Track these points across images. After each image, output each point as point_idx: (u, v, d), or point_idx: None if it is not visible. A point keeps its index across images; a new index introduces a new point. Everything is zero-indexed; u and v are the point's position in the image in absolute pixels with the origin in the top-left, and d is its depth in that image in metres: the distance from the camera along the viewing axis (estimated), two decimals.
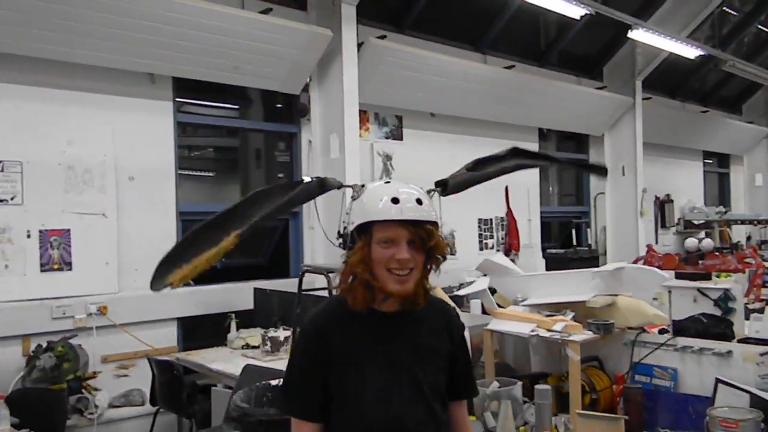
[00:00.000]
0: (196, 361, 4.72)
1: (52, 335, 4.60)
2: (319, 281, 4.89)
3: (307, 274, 4.72)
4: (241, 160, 6.74)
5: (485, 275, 3.69)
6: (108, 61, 4.94)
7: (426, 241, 1.68)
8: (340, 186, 2.12)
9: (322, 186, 2.22)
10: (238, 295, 5.62)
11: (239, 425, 3.00)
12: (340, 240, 1.77)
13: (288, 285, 5.70)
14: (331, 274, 4.01)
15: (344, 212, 1.76)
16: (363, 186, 1.77)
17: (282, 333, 4.80)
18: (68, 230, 4.81)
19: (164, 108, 5.38)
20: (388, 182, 1.78)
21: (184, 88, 5.54)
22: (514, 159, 2.36)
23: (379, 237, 1.67)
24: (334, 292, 4.03)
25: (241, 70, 5.48)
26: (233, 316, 5.29)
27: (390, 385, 1.72)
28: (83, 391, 4.55)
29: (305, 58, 5.76)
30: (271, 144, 6.67)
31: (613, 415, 2.60)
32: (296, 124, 6.30)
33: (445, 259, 1.76)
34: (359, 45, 6.03)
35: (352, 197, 1.76)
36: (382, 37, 6.38)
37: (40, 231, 4.69)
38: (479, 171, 2.35)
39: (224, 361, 4.66)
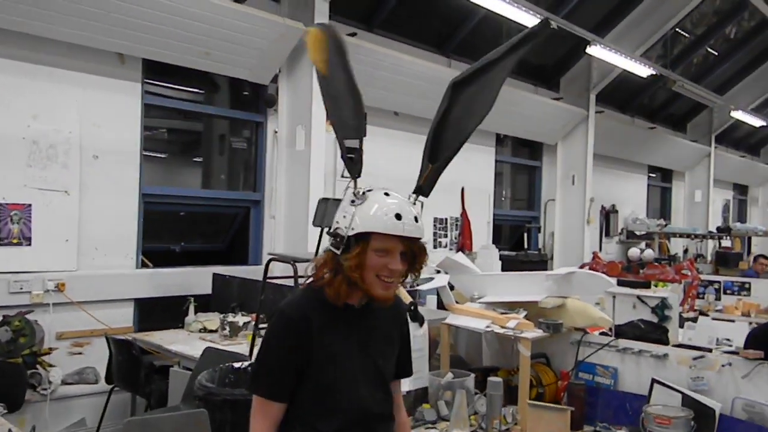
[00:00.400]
0: (154, 341, 4.78)
1: (8, 309, 4.59)
2: (279, 269, 4.98)
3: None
4: (204, 146, 6.76)
5: (445, 272, 3.87)
6: (79, 38, 4.92)
7: (417, 256, 1.85)
8: None
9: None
10: (197, 279, 5.67)
11: (204, 404, 3.10)
12: (333, 238, 1.85)
13: (247, 272, 5.80)
14: (298, 264, 4.13)
15: (341, 214, 1.85)
16: (364, 193, 1.85)
17: (241, 318, 4.89)
18: (29, 205, 4.78)
19: (132, 89, 5.38)
20: (387, 194, 1.86)
21: (153, 70, 5.55)
22: (456, 95, 2.15)
23: (377, 246, 1.79)
24: (300, 281, 4.17)
25: (212, 57, 5.53)
26: (192, 299, 5.34)
27: (357, 372, 1.89)
28: (38, 366, 4.55)
29: (276, 50, 5.84)
30: (236, 131, 6.71)
31: (561, 406, 2.82)
32: (263, 113, 6.37)
33: (422, 270, 1.91)
34: None
35: (352, 202, 1.85)
36: (353, 35, 6.50)
37: (1, 204, 4.66)
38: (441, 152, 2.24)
39: (182, 343, 4.74)
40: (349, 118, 2.03)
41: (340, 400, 1.86)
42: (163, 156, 6.38)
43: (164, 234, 6.18)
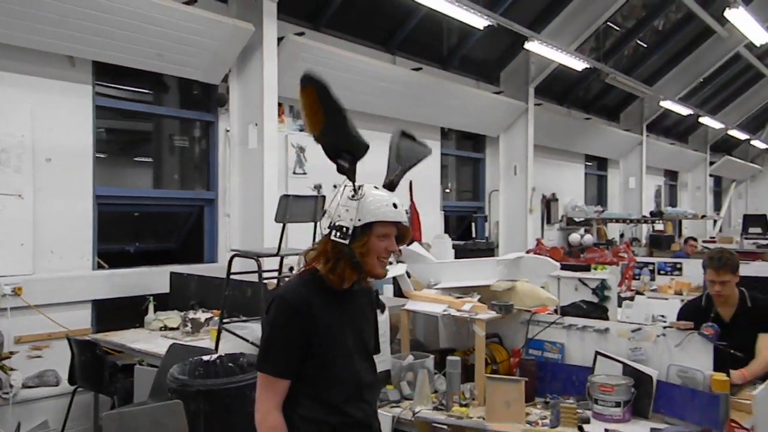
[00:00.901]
0: (116, 341, 4.83)
1: None
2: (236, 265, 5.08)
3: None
4: (155, 146, 6.77)
5: (402, 262, 4.09)
6: (28, 42, 4.92)
7: (406, 236, 2.16)
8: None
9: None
10: (154, 278, 5.72)
11: (178, 395, 3.23)
12: (333, 231, 2.08)
13: (203, 270, 5.89)
14: (261, 259, 4.27)
15: (343, 209, 2.08)
16: (360, 187, 2.11)
17: (202, 315, 4.99)
18: None
19: (83, 91, 5.39)
20: (376, 188, 2.16)
21: (104, 71, 5.56)
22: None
23: (380, 233, 2.09)
24: (266, 276, 4.31)
25: (164, 59, 5.58)
26: (151, 298, 5.40)
27: (351, 346, 2.16)
28: None
29: (227, 50, 5.93)
30: (187, 131, 6.75)
31: (515, 377, 3.07)
32: (214, 113, 6.44)
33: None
34: (279, 40, 6.26)
35: (352, 197, 2.09)
36: (300, 34, 6.63)
37: None
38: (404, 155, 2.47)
39: (145, 341, 4.81)
40: (352, 135, 2.18)
41: (340, 372, 2.12)
42: (114, 157, 6.37)
43: (118, 235, 6.20)
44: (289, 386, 2.08)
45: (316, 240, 2.22)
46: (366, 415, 2.19)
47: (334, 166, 2.16)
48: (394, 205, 2.12)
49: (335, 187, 2.21)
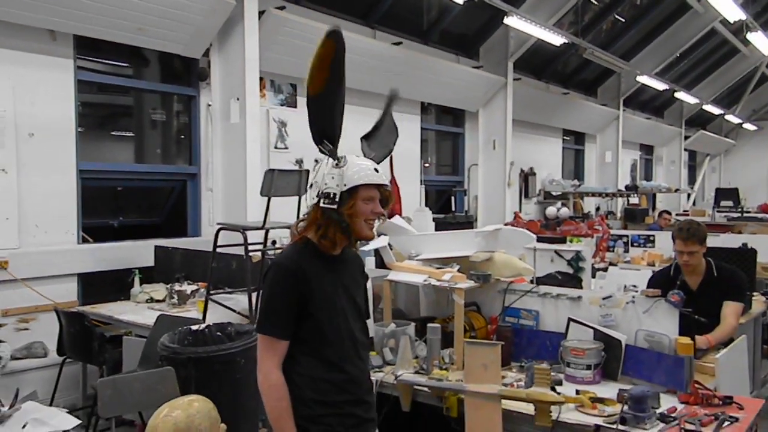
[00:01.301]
0: (104, 313, 4.92)
1: None
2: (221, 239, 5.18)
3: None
4: (136, 120, 6.79)
5: (384, 234, 4.21)
6: (9, 15, 4.91)
7: (388, 199, 2.32)
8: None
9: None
10: (138, 252, 5.80)
11: (169, 362, 3.35)
12: (321, 198, 2.23)
13: (187, 243, 5.98)
14: (247, 232, 4.37)
15: (329, 177, 2.23)
16: (343, 157, 2.26)
17: (188, 287, 5.10)
18: None
19: (65, 65, 5.40)
20: (357, 156, 2.32)
21: (85, 45, 5.57)
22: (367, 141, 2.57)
23: (365, 196, 2.25)
24: (250, 249, 4.42)
25: (145, 33, 5.60)
26: (137, 271, 5.48)
27: (344, 307, 2.31)
28: None
29: (208, 24, 5.95)
30: (168, 105, 6.78)
31: (492, 342, 3.22)
32: (195, 87, 6.47)
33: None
34: (260, 14, 6.29)
35: (336, 166, 2.24)
36: (281, 8, 6.65)
37: None
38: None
39: (132, 313, 4.90)
40: (336, 127, 2.32)
41: (335, 331, 2.26)
42: (95, 131, 6.38)
43: (102, 209, 6.25)
44: (288, 347, 2.22)
45: (302, 213, 2.37)
46: (361, 371, 2.36)
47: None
48: (376, 170, 2.28)
49: (316, 162, 2.37)
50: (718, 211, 12.93)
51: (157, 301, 5.21)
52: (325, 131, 2.30)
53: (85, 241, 5.64)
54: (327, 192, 2.23)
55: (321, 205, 2.24)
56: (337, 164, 2.25)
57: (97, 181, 5.88)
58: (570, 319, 3.61)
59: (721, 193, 13.97)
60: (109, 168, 6.08)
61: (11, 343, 4.94)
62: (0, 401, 2.99)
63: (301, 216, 2.39)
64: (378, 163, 2.39)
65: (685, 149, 18.93)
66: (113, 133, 6.64)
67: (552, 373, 3.16)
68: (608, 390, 3.13)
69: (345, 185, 2.22)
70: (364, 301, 2.47)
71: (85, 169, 5.63)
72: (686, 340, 3.19)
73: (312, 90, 2.25)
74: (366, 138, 2.54)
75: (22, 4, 4.87)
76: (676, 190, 15.23)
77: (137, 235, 6.16)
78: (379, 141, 2.57)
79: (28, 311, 5.14)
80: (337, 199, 2.22)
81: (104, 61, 6.03)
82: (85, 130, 5.84)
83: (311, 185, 2.31)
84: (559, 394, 2.89)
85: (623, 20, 12.64)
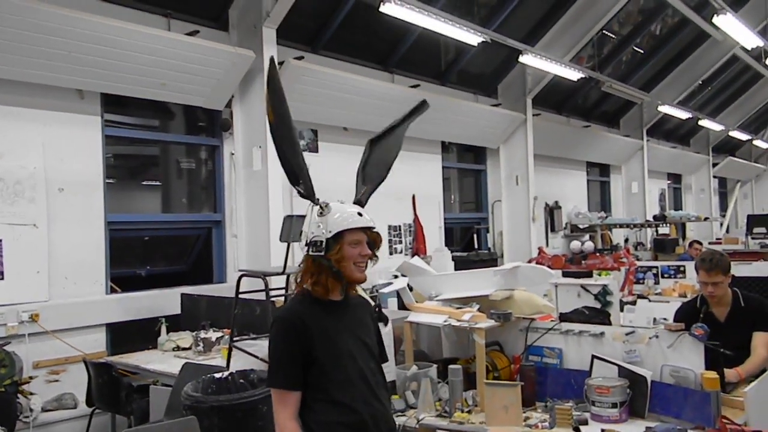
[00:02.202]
0: (131, 363, 4.99)
1: None
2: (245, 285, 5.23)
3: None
4: (162, 170, 6.96)
5: (404, 275, 4.23)
6: (39, 78, 5.13)
7: (377, 241, 2.38)
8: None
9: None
10: (165, 300, 5.89)
11: (192, 412, 3.38)
12: (309, 247, 2.33)
13: (213, 290, 6.06)
14: (268, 277, 4.42)
15: (315, 225, 2.33)
16: (327, 205, 2.35)
17: (213, 334, 5.15)
18: (0, 240, 4.95)
19: (92, 122, 5.59)
20: (342, 202, 2.40)
21: (112, 102, 5.77)
22: (373, 147, 2.71)
23: (350, 240, 2.33)
24: (272, 293, 4.47)
25: (169, 87, 5.79)
26: (163, 320, 5.56)
27: (351, 348, 2.35)
28: (19, 395, 4.71)
29: (229, 77, 6.13)
30: (193, 155, 6.95)
31: (512, 382, 3.20)
32: (218, 137, 6.63)
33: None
34: (279, 64, 6.45)
35: (320, 214, 2.34)
36: (300, 58, 6.83)
37: None
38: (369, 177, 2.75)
39: (158, 362, 4.97)
40: (295, 165, 2.47)
41: (343, 372, 2.29)
42: (123, 182, 6.56)
43: (129, 259, 6.38)
44: (302, 395, 2.26)
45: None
46: (378, 411, 2.35)
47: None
48: (359, 214, 2.36)
49: (322, 208, 2.41)
50: (752, 238, 12.66)
51: (184, 349, 5.27)
52: (293, 167, 2.41)
53: (113, 291, 5.75)
54: (314, 240, 2.31)
55: (310, 253, 2.32)
56: (320, 212, 2.33)
57: (124, 232, 6.03)
58: (594, 356, 3.56)
59: (753, 220, 13.70)
60: (137, 219, 6.23)
61: (42, 395, 5.02)
62: None
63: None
64: (368, 191, 2.48)
65: (715, 176, 18.65)
66: (140, 182, 6.81)
67: (577, 413, 3.13)
68: (635, 428, 3.09)
69: (329, 232, 2.30)
70: (375, 343, 2.49)
71: (113, 221, 5.77)
72: (712, 374, 3.13)
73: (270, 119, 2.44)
74: (372, 143, 2.64)
75: (52, 67, 5.09)
76: (706, 219, 14.97)
77: (164, 284, 6.26)
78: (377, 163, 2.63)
79: (58, 363, 5.23)
80: (323, 246, 2.29)
81: (131, 116, 6.23)
82: (114, 180, 6.01)
83: (301, 234, 2.38)
84: None
85: (642, 51, 12.66)
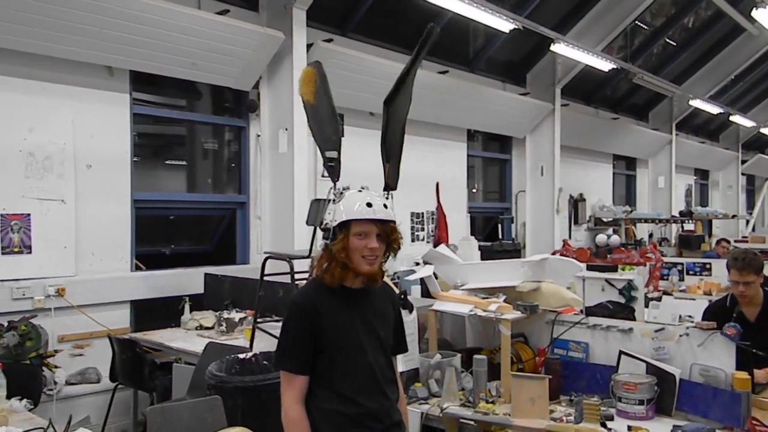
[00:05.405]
0: (155, 340, 5.03)
1: (12, 315, 4.78)
2: (269, 267, 5.24)
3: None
4: (188, 151, 6.98)
5: (429, 263, 4.20)
6: (70, 54, 5.14)
7: (389, 235, 2.27)
8: None
9: None
10: (189, 280, 5.92)
11: (216, 391, 3.39)
12: (324, 233, 2.29)
13: (236, 271, 6.08)
14: (293, 260, 4.42)
15: (328, 211, 2.30)
16: (342, 192, 2.31)
17: (236, 315, 5.17)
18: (28, 215, 4.99)
19: (121, 99, 5.60)
20: (360, 190, 2.33)
21: (140, 80, 5.77)
22: (389, 108, 2.69)
23: (356, 231, 2.23)
24: (297, 277, 4.47)
25: (198, 67, 5.78)
26: (187, 299, 5.59)
27: (363, 340, 2.30)
28: (44, 368, 4.76)
29: (258, 58, 6.10)
30: (219, 136, 6.95)
31: (540, 375, 3.16)
32: (245, 118, 6.62)
33: (399, 248, 2.34)
34: (308, 46, 6.42)
35: (333, 200, 2.31)
36: (329, 41, 6.78)
37: (2, 215, 4.86)
38: (389, 148, 2.72)
39: (182, 340, 5.00)
40: (331, 134, 2.46)
41: (350, 364, 2.26)
42: (148, 161, 6.58)
43: (155, 237, 6.41)
44: (309, 381, 2.24)
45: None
46: (382, 407, 2.31)
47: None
48: (369, 204, 2.24)
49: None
50: None
51: (207, 328, 5.30)
52: (325, 137, 2.46)
53: (138, 268, 5.79)
54: (325, 226, 2.28)
55: (323, 239, 2.29)
56: (334, 199, 2.30)
57: (150, 210, 6.05)
58: (621, 352, 3.51)
59: None
60: (163, 197, 6.25)
61: (66, 369, 5.08)
62: (54, 427, 3.06)
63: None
64: (390, 168, 2.45)
65: (743, 173, 18.35)
66: (167, 162, 6.84)
67: (602, 408, 3.09)
68: (662, 426, 3.05)
69: (335, 220, 2.25)
70: (391, 336, 2.42)
71: (140, 199, 5.79)
72: (743, 374, 3.07)
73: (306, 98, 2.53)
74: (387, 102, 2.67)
75: (82, 43, 5.10)
76: (733, 216, 14.75)
77: (188, 263, 6.28)
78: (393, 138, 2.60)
79: (83, 337, 5.28)
80: (331, 234, 2.25)
81: (158, 94, 6.24)
82: (140, 159, 6.03)
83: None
84: (609, 430, 2.81)
85: (674, 44, 12.43)
